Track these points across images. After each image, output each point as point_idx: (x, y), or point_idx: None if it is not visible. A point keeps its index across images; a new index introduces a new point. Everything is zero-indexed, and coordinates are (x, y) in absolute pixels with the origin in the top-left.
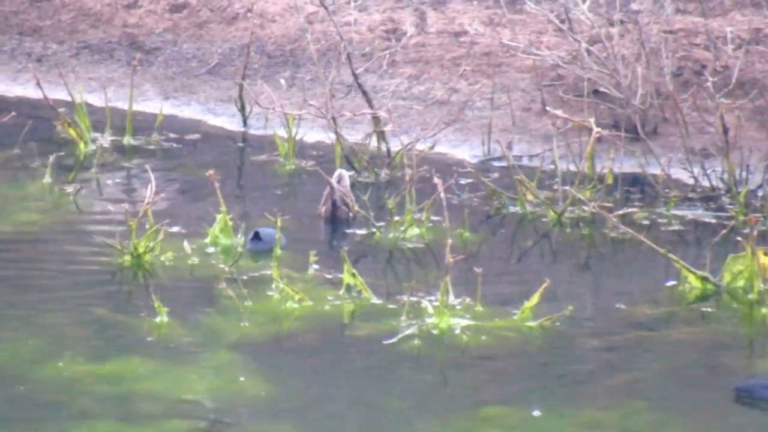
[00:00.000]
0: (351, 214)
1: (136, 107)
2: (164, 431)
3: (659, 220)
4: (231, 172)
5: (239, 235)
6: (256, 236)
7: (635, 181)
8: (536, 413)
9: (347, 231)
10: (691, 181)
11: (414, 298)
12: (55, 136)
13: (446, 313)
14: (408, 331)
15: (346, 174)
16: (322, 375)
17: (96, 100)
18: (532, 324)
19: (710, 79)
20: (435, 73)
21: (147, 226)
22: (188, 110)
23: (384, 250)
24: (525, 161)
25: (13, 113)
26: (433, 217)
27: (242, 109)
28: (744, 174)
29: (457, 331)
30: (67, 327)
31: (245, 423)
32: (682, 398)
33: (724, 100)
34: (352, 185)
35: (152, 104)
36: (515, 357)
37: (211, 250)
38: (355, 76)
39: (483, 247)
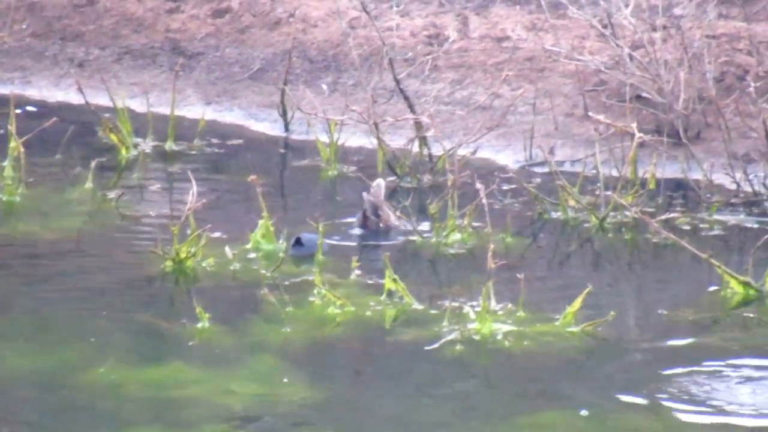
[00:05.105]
0: (381, 225)
1: (178, 112)
2: None
3: (701, 226)
4: (273, 178)
5: (281, 241)
6: (298, 242)
7: (678, 186)
8: (584, 413)
9: (383, 241)
10: (733, 186)
11: (456, 304)
12: (97, 142)
13: (488, 319)
14: (450, 337)
15: (383, 183)
16: (364, 380)
17: (138, 105)
18: (575, 329)
19: (753, 84)
20: (477, 78)
21: (189, 232)
22: (230, 115)
23: (426, 256)
24: (567, 166)
25: (55, 119)
26: (475, 223)
27: (284, 114)
28: None
29: (500, 337)
30: (110, 332)
31: (287, 428)
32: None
33: (766, 105)
34: (394, 190)
35: (194, 109)
36: (557, 363)
37: (252, 255)
38: (398, 81)
39: (525, 252)
